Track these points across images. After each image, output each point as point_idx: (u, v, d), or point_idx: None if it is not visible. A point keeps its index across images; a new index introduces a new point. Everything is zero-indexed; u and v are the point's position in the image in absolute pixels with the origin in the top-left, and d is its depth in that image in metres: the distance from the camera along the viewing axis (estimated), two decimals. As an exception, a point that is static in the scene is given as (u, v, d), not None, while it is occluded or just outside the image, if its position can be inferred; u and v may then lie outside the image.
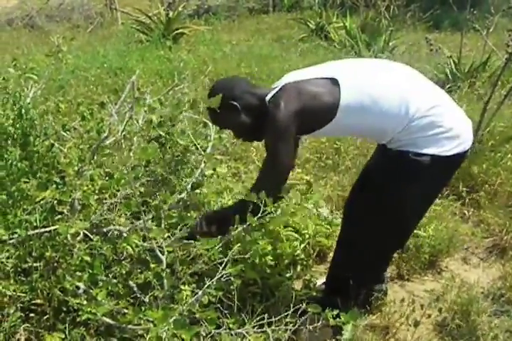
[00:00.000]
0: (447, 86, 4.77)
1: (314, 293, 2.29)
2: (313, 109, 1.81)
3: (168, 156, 2.29)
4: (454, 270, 2.66)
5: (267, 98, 1.89)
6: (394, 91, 1.81)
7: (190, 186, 2.21)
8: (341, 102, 1.79)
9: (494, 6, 5.73)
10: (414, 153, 1.81)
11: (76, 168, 1.99)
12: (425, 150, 1.80)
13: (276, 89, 1.88)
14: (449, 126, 1.80)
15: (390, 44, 6.54)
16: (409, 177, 1.86)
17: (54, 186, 1.95)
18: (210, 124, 2.38)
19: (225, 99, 1.86)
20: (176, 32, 7.48)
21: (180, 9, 7.99)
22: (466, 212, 3.10)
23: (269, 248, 2.22)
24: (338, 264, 2.20)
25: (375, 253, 2.08)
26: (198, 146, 2.28)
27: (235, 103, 1.89)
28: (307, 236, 2.53)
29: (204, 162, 2.26)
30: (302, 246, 2.47)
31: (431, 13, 8.00)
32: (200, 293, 1.60)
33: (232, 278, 1.75)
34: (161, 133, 2.25)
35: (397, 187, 1.89)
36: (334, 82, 1.82)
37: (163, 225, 1.82)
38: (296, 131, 1.84)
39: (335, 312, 1.67)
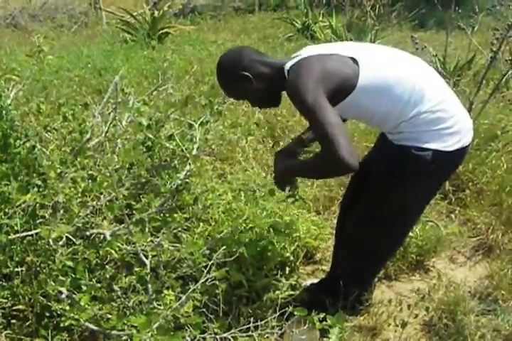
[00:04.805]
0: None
1: (302, 295, 2.27)
2: (336, 78, 1.75)
3: (156, 160, 2.25)
4: (441, 269, 2.66)
5: (287, 66, 1.85)
6: (410, 80, 1.79)
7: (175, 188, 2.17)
8: (359, 81, 1.76)
9: (478, 4, 5.77)
10: (416, 148, 1.80)
11: (58, 171, 1.96)
12: (427, 145, 1.79)
13: (297, 59, 1.83)
14: (452, 122, 1.81)
15: (376, 43, 6.54)
16: (411, 173, 1.86)
17: (35, 189, 1.92)
18: (196, 126, 2.35)
19: (234, 70, 1.86)
20: (161, 32, 7.42)
21: (165, 9, 7.92)
22: (452, 211, 3.10)
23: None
24: (342, 264, 2.19)
25: (380, 252, 2.09)
26: (184, 149, 2.25)
27: (246, 73, 1.86)
28: (296, 237, 2.51)
29: (189, 164, 2.22)
30: (292, 248, 2.44)
31: (416, 12, 8.02)
32: (184, 297, 1.57)
33: (217, 282, 1.72)
34: (150, 135, 2.21)
35: (398, 184, 1.89)
36: (354, 61, 1.79)
37: (147, 229, 1.79)
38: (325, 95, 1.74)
39: (321, 315, 1.65)
